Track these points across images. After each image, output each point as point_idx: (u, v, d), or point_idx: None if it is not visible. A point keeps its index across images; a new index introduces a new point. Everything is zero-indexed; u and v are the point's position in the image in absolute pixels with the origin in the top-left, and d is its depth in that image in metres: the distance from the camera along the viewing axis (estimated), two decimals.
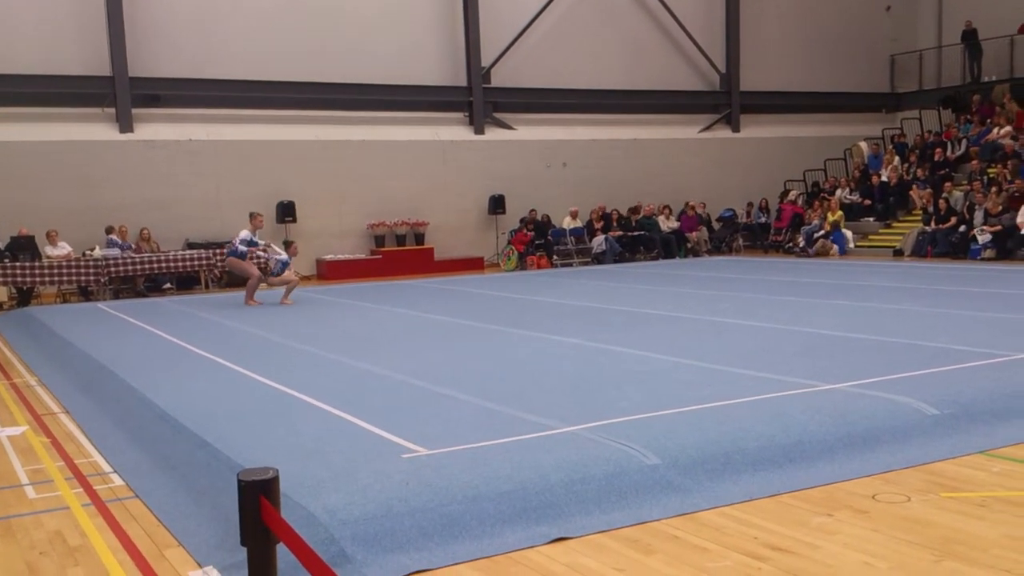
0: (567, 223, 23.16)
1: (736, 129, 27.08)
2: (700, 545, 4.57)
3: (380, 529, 4.60)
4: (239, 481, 3.24)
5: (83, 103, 19.83)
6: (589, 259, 22.76)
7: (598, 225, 23.08)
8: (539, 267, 22.07)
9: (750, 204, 25.43)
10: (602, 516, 4.94)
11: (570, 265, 22.27)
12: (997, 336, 9.21)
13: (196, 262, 18.74)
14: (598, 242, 22.83)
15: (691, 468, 5.43)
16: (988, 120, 24.46)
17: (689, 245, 23.81)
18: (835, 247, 21.87)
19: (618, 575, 4.31)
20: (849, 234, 22.41)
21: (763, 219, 25.01)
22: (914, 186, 22.81)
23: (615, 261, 22.54)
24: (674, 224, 23.97)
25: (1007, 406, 6.65)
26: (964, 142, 24.10)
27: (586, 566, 4.40)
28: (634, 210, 23.94)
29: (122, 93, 19.92)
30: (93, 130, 19.88)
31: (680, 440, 5.74)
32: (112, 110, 20.04)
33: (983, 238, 19.21)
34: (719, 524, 4.84)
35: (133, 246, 18.93)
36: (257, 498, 3.19)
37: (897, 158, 24.47)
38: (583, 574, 4.32)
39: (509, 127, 24.19)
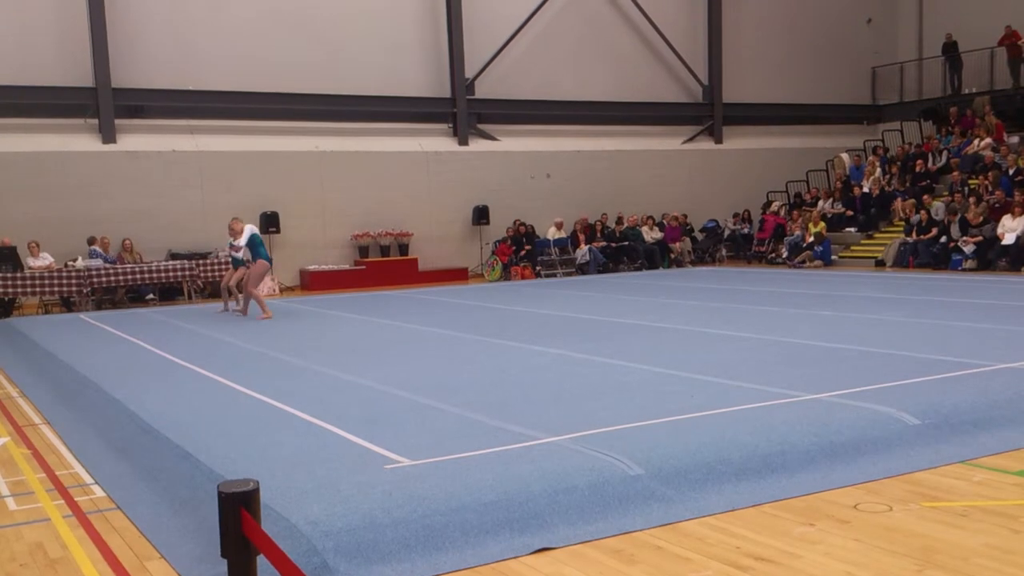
0: (551, 234, 23.20)
1: (719, 140, 27.21)
2: (682, 555, 4.58)
3: (362, 540, 4.59)
4: (219, 493, 3.22)
5: (66, 114, 19.75)
6: (573, 269, 22.80)
7: (582, 236, 23.14)
8: (523, 278, 22.08)
9: (737, 215, 25.55)
10: (585, 526, 4.94)
11: (554, 275, 22.30)
12: (978, 346, 9.28)
13: (179, 273, 18.64)
14: (582, 253, 22.89)
15: (674, 478, 5.44)
16: (969, 132, 24.65)
17: (672, 256, 23.88)
18: (820, 261, 21.94)
19: None
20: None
21: (746, 230, 25.15)
22: (898, 199, 22.97)
23: (599, 271, 22.59)
24: (658, 235, 24.03)
25: (988, 416, 6.69)
26: (945, 154, 24.28)
27: None
28: (618, 221, 24.04)
29: (105, 104, 19.85)
30: (76, 141, 19.79)
31: (663, 450, 5.75)
32: (95, 121, 19.97)
33: (968, 248, 19.36)
34: (701, 534, 4.85)
35: (115, 257, 18.84)
36: (237, 510, 3.17)
37: (879, 169, 24.64)
38: None
39: (493, 138, 24.22)
